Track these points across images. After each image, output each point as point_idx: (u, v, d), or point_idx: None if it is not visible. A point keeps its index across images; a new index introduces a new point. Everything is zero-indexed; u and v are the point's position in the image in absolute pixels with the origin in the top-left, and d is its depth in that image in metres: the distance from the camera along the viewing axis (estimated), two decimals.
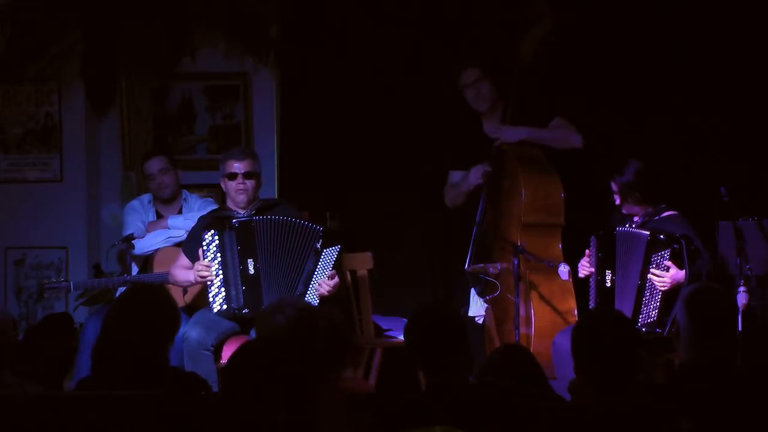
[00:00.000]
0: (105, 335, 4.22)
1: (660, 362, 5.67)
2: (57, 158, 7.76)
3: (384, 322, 6.72)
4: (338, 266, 6.02)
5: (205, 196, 6.94)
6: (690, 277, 5.72)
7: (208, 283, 5.92)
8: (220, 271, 5.92)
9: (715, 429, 3.87)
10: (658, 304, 5.80)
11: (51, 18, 7.42)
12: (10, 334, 4.56)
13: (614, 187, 6.03)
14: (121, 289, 6.40)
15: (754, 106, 6.76)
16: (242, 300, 5.92)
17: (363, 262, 6.54)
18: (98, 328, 4.53)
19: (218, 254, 5.92)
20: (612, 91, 6.85)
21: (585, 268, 6.07)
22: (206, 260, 5.91)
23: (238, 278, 5.92)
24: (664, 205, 6.04)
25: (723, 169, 6.57)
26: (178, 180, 6.74)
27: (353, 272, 6.51)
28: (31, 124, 7.79)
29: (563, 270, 5.97)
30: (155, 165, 6.67)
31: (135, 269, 6.65)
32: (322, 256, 5.94)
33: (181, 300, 6.24)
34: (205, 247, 5.92)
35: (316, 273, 5.94)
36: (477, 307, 6.48)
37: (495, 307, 6.35)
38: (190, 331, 5.83)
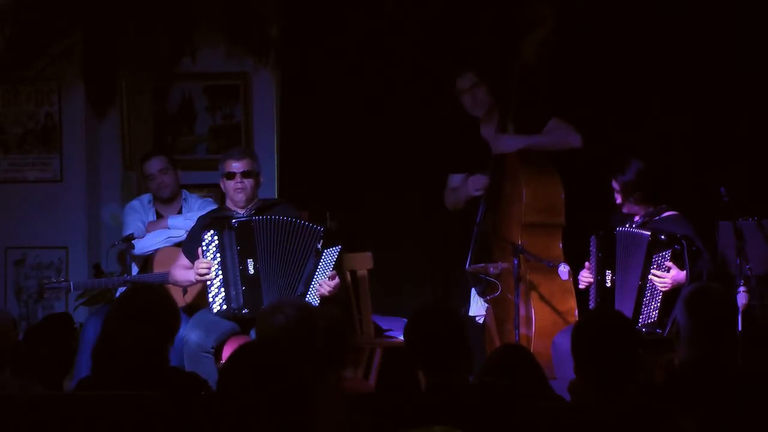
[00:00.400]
0: (105, 335, 4.22)
1: (660, 362, 5.67)
2: (57, 158, 7.76)
3: (384, 322, 6.73)
4: (338, 266, 6.01)
5: (204, 196, 6.94)
6: (691, 278, 5.72)
7: (208, 283, 5.92)
8: (220, 272, 5.91)
9: (716, 429, 3.86)
10: (658, 304, 5.79)
11: (51, 18, 7.42)
12: (10, 334, 4.55)
13: (615, 186, 6.02)
14: (121, 289, 6.40)
15: (755, 106, 6.76)
16: (242, 300, 5.92)
17: (363, 262, 6.55)
18: (98, 328, 4.53)
19: (218, 254, 5.92)
20: (612, 91, 6.85)
21: (585, 279, 6.06)
22: (206, 259, 5.91)
23: (238, 278, 5.92)
24: (664, 206, 6.04)
25: (723, 169, 6.57)
26: (178, 180, 6.74)
27: (353, 272, 6.51)
28: (31, 124, 7.79)
29: (563, 270, 5.97)
30: (155, 165, 6.67)
31: (135, 269, 6.65)
32: (323, 257, 5.94)
33: (181, 300, 6.24)
34: (204, 248, 5.92)
35: (316, 273, 5.94)
36: (478, 307, 6.47)
37: (496, 306, 6.35)
38: (190, 333, 5.83)
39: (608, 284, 5.96)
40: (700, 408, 3.89)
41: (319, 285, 5.91)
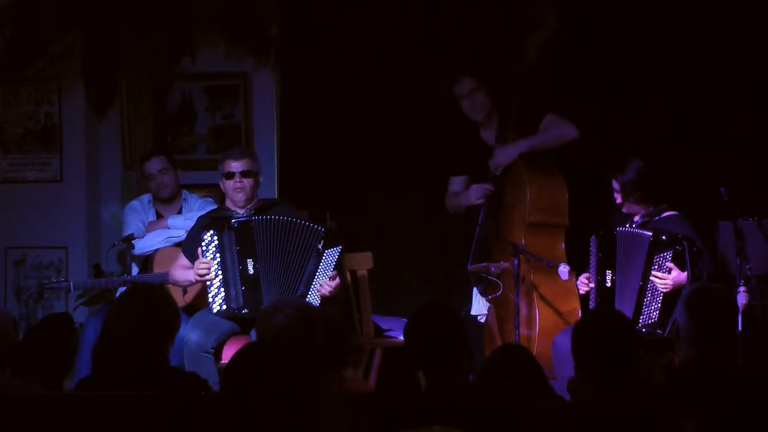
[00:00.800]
0: (105, 335, 4.22)
1: (660, 362, 5.67)
2: (57, 158, 7.76)
3: (384, 322, 6.73)
4: (338, 266, 6.02)
5: (204, 196, 6.94)
6: (692, 279, 5.72)
7: (208, 283, 5.92)
8: (220, 272, 5.92)
9: (716, 429, 3.87)
10: (659, 305, 5.79)
11: (51, 18, 7.42)
12: (10, 334, 4.55)
13: (615, 185, 6.03)
14: (121, 289, 6.40)
15: (754, 106, 6.75)
16: (242, 300, 5.92)
17: (363, 262, 6.55)
18: (98, 328, 4.54)
19: (217, 254, 5.92)
20: (613, 91, 6.85)
21: (585, 285, 6.06)
22: (206, 259, 5.91)
23: (238, 278, 5.92)
24: (664, 206, 6.04)
25: (723, 169, 6.57)
26: (178, 180, 6.74)
27: (353, 272, 6.51)
28: (31, 124, 7.79)
29: (563, 270, 5.97)
30: (155, 165, 6.67)
31: (135, 269, 6.65)
32: (324, 257, 5.94)
33: (181, 300, 6.24)
34: (204, 248, 5.92)
35: (317, 273, 5.94)
36: (479, 306, 6.48)
37: (497, 306, 6.35)
38: (190, 334, 5.83)
39: (608, 284, 5.96)
40: (700, 408, 3.89)
41: (320, 285, 5.91)
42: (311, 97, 7.43)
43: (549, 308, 6.17)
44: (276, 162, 7.56)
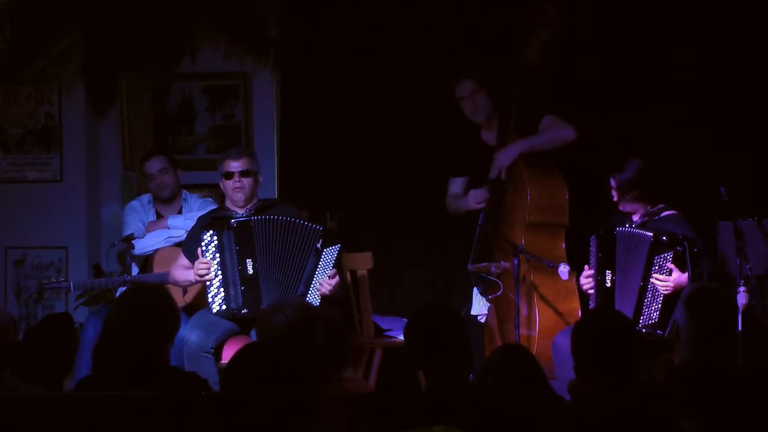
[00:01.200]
0: (105, 335, 4.22)
1: (660, 362, 5.67)
2: (57, 158, 7.76)
3: (384, 322, 6.73)
4: (338, 266, 6.02)
5: (204, 196, 6.94)
6: (692, 280, 5.71)
7: (208, 283, 5.92)
8: (219, 272, 5.92)
9: (716, 429, 3.87)
10: (659, 305, 5.79)
11: (51, 18, 7.42)
12: (10, 334, 4.55)
13: (613, 183, 6.02)
14: (121, 289, 6.40)
15: (754, 106, 6.75)
16: (241, 300, 5.92)
17: (363, 262, 6.55)
18: (98, 328, 4.54)
19: (217, 255, 5.92)
20: (613, 91, 6.85)
21: (587, 283, 6.05)
22: (205, 259, 5.91)
23: (237, 278, 5.92)
24: (662, 205, 6.04)
25: (723, 169, 6.57)
26: (178, 180, 6.74)
27: (353, 272, 6.51)
28: (31, 123, 7.79)
29: (563, 270, 5.97)
30: (155, 165, 6.67)
31: (135, 269, 6.65)
32: (323, 256, 5.94)
33: (181, 300, 6.24)
34: (203, 248, 5.92)
35: (317, 273, 5.94)
36: (480, 306, 6.48)
37: (498, 306, 6.35)
38: (190, 334, 5.83)
39: (608, 284, 5.96)
40: (700, 408, 3.89)
41: (320, 284, 5.92)
42: (311, 97, 7.43)
43: (549, 308, 6.17)
44: (276, 162, 7.56)
